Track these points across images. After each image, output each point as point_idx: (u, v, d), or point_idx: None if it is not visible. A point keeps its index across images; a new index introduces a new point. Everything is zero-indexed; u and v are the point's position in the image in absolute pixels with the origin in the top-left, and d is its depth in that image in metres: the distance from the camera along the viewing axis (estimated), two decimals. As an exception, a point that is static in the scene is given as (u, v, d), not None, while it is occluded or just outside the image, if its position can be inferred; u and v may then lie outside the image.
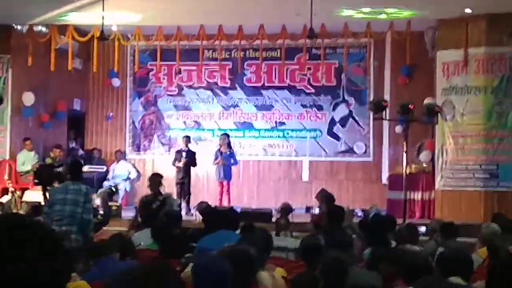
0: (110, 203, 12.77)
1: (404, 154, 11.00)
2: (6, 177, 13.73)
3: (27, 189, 13.46)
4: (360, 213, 12.46)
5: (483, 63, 12.66)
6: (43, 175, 12.23)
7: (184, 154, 13.79)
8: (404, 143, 11.14)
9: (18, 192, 13.46)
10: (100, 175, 14.99)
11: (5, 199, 12.89)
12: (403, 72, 14.98)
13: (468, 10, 12.40)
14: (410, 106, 10.85)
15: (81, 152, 15.75)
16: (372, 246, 6.30)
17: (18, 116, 14.29)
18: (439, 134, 13.16)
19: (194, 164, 14.00)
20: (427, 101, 12.73)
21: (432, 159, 13.62)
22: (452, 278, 4.47)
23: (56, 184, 10.30)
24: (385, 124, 14.91)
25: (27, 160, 14.01)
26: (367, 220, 8.88)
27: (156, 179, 9.84)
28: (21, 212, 12.39)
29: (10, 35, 14.00)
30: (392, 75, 15.30)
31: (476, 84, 12.74)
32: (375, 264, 5.17)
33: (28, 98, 14.31)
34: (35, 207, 10.71)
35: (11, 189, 13.51)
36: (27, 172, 13.49)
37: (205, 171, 15.50)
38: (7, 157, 14.06)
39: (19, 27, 14.05)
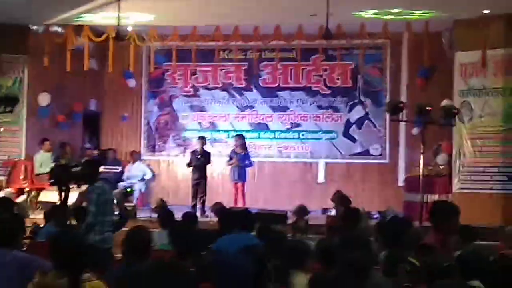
0: (125, 204, 12.75)
1: (421, 156, 10.88)
2: (21, 177, 13.76)
3: (42, 189, 13.48)
4: (376, 215, 12.36)
5: (502, 65, 12.53)
6: (59, 175, 12.25)
7: (199, 156, 13.73)
8: (421, 145, 11.03)
9: (34, 192, 13.49)
10: (115, 176, 14.98)
11: (20, 199, 12.91)
12: (420, 73, 14.85)
13: (486, 11, 12.27)
14: (427, 107, 10.72)
15: (94, 152, 15.71)
16: (389, 249, 6.20)
17: (34, 116, 14.32)
18: (456, 136, 13.03)
19: (209, 162, 13.93)
20: (444, 102, 12.61)
21: (449, 162, 13.50)
22: (471, 282, 4.40)
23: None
24: (402, 125, 14.81)
25: (44, 162, 14.02)
26: (384, 222, 8.79)
27: None
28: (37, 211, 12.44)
29: (26, 36, 14.04)
30: (409, 76, 15.18)
31: (494, 86, 12.62)
32: (391, 267, 5.09)
33: (44, 99, 14.35)
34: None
35: (26, 189, 13.55)
36: (46, 173, 13.49)
37: (220, 172, 15.47)
38: (23, 157, 14.09)
39: (35, 28, 14.07)
